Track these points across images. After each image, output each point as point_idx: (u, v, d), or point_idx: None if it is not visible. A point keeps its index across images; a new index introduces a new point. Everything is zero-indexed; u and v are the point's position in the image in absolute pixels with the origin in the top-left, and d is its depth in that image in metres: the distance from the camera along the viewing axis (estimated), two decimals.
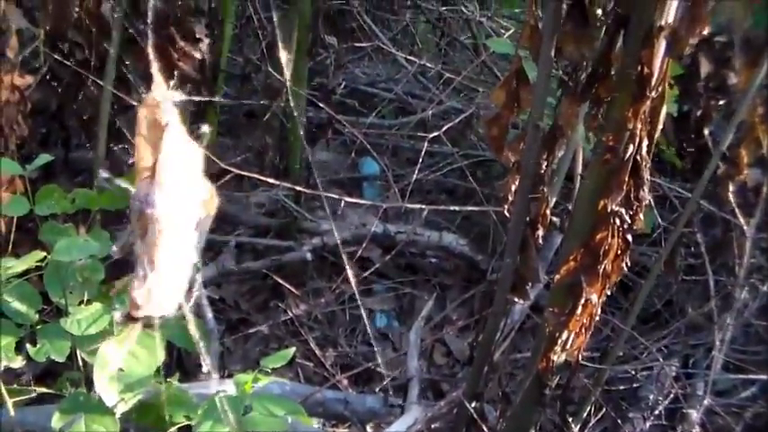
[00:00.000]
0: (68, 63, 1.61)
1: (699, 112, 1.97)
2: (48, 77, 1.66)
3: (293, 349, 1.20)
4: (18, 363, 1.27)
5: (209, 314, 1.80)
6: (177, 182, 0.46)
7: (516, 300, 1.43)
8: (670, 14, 1.12)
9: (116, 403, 1.12)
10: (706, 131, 1.97)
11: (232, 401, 1.06)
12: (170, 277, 0.47)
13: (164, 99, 0.43)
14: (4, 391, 1.27)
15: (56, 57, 1.61)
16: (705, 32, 1.10)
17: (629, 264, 1.32)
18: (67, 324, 1.19)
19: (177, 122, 0.44)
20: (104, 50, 1.61)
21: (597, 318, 2.03)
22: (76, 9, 1.54)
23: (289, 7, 2.08)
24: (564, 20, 1.17)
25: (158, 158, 0.46)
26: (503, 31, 2.69)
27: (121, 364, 1.15)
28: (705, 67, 1.92)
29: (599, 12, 1.17)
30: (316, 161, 2.67)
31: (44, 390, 1.43)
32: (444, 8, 2.94)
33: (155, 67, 0.38)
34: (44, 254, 1.19)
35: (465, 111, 2.43)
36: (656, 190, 2.32)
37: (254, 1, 2.22)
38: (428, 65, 2.67)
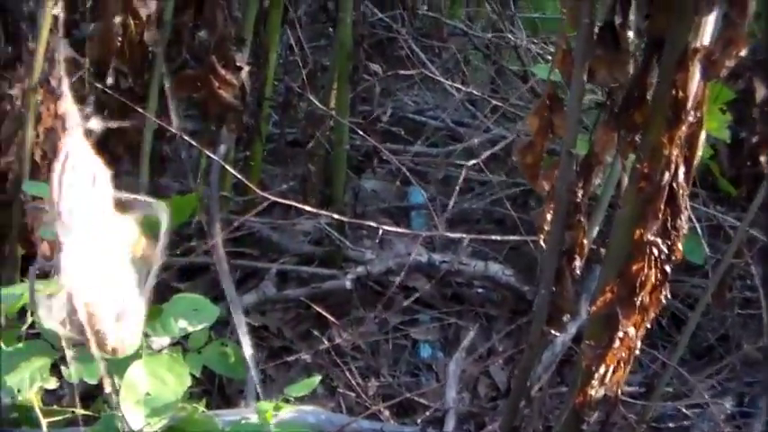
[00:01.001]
0: (114, 92, 1.65)
1: (754, 139, 1.91)
2: (95, 106, 1.70)
3: (318, 378, 1.19)
4: (53, 384, 1.29)
5: (248, 341, 1.80)
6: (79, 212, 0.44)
7: (552, 332, 1.39)
8: (705, 36, 1.08)
9: (142, 427, 1.12)
10: (762, 159, 1.91)
11: (251, 428, 1.05)
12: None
13: (73, 127, 0.41)
14: (38, 410, 1.29)
15: (102, 85, 1.65)
16: (742, 54, 1.07)
17: (668, 296, 1.28)
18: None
19: (82, 154, 0.42)
20: (148, 79, 1.65)
21: (646, 352, 1.98)
22: (119, 38, 1.58)
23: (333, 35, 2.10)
24: (595, 43, 1.14)
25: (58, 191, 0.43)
26: (550, 58, 2.66)
27: (149, 388, 1.16)
28: (760, 92, 1.86)
29: (631, 34, 1.14)
30: (364, 190, 2.68)
31: (82, 411, 1.45)
32: (491, 35, 2.93)
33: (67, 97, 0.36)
34: None
35: (514, 138, 2.41)
36: (711, 220, 2.26)
37: (297, 29, 2.24)
38: (475, 92, 2.65)
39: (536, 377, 1.75)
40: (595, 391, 1.33)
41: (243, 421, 1.21)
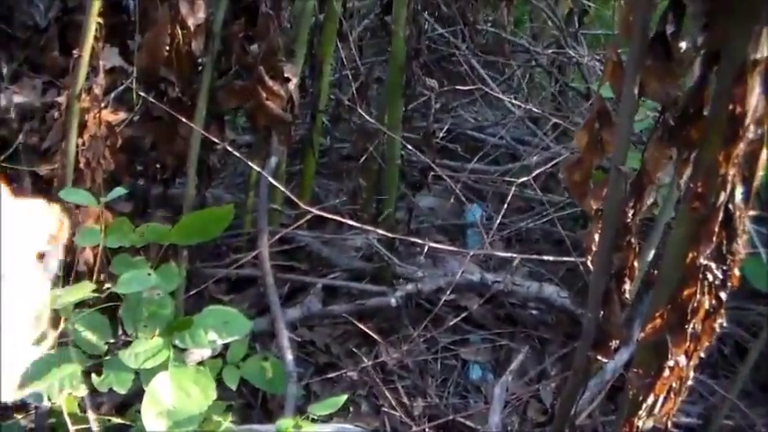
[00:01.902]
0: (161, 101, 1.65)
1: None
2: (144, 114, 1.70)
3: (345, 396, 1.14)
4: (82, 391, 1.28)
5: (290, 356, 1.77)
6: None
7: (599, 358, 1.32)
8: (766, 48, 1.01)
9: None
10: None
11: None
12: None
13: None
14: (67, 417, 1.28)
15: (150, 94, 1.65)
16: None
17: (724, 324, 1.20)
18: (125, 356, 1.18)
19: None
20: (196, 89, 1.65)
21: (705, 383, 1.88)
22: (168, 48, 1.58)
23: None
24: (646, 54, 1.08)
25: None
26: None
27: (173, 400, 1.13)
28: None
29: (683, 45, 1.07)
30: (419, 207, 2.64)
31: (116, 419, 1.44)
32: (551, 51, 2.86)
33: None
34: (93, 285, 1.19)
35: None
36: None
37: (350, 42, 2.22)
38: (535, 110, 2.59)
39: (583, 404, 1.68)
40: (643, 422, 1.26)
41: None
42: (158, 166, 1.84)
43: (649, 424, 1.26)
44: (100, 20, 1.35)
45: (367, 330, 2.05)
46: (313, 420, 1.11)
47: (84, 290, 1.14)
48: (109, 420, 1.45)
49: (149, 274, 1.21)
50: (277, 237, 1.96)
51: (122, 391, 1.24)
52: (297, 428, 1.05)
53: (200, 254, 2.03)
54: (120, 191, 1.33)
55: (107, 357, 1.30)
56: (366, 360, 2.09)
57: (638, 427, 1.25)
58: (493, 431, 1.69)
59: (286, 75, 1.72)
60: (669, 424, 1.27)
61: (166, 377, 1.13)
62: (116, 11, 1.73)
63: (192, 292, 1.82)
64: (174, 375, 1.14)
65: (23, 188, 1.65)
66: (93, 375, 1.27)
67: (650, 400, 1.22)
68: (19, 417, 1.75)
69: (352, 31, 2.20)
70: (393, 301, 2.07)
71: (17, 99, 1.76)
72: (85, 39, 1.35)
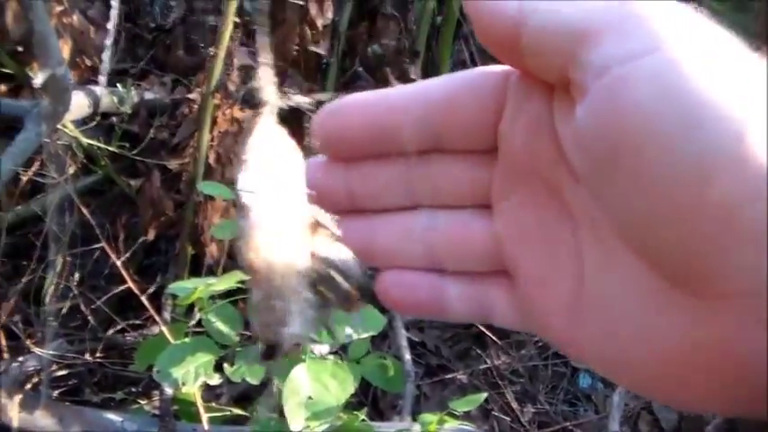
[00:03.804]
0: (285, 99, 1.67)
1: None
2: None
3: (485, 394, 1.14)
4: (215, 380, 1.31)
5: (408, 356, 1.77)
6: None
7: None
8: None
9: (301, 430, 1.11)
10: None
11: None
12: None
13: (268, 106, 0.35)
14: (201, 407, 1.31)
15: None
16: None
17: None
18: (261, 348, 1.20)
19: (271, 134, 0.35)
20: (321, 88, 1.67)
21: None
22: (295, 48, 1.61)
23: None
24: None
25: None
26: None
27: (311, 392, 1.15)
28: None
29: None
30: None
31: (239, 411, 1.47)
32: None
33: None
34: (242, 275, 1.21)
35: None
36: None
37: (471, 43, 2.21)
38: None
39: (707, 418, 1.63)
40: None
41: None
42: None
43: None
44: (236, 20, 1.38)
45: (485, 331, 2.04)
46: (454, 416, 1.11)
47: (233, 279, 1.16)
48: (230, 411, 1.48)
49: None
50: None
51: (255, 382, 1.26)
52: (441, 424, 1.05)
53: None
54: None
55: (238, 348, 1.33)
56: (477, 363, 2.08)
57: None
58: None
59: (412, 76, 1.73)
60: None
61: (304, 369, 1.15)
62: (239, 12, 1.78)
63: None
64: (312, 368, 1.15)
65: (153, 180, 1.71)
66: (226, 365, 1.30)
67: None
68: (143, 402, 1.82)
69: (473, 33, 2.19)
70: None
71: (147, 96, 1.82)
72: (222, 38, 1.38)
